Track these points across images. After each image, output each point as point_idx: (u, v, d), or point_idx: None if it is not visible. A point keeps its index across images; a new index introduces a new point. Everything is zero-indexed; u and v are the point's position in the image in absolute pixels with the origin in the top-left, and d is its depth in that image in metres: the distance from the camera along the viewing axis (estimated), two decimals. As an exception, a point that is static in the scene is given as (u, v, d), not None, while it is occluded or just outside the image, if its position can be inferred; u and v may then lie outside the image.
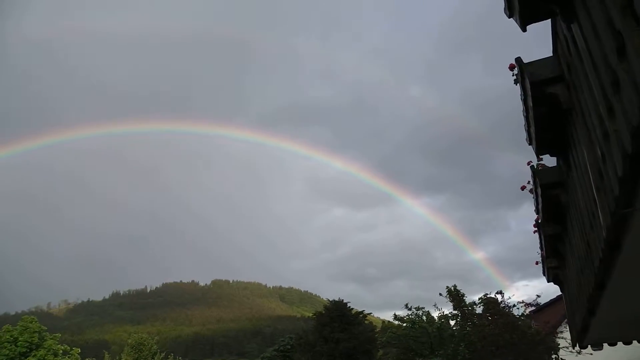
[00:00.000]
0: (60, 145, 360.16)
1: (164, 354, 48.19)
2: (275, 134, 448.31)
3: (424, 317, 44.16)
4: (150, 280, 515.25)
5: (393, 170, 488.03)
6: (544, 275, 11.99)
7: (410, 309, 44.93)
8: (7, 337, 39.90)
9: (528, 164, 8.73)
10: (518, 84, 6.91)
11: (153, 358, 47.03)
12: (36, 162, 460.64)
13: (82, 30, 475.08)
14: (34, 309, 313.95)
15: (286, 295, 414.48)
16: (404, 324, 45.47)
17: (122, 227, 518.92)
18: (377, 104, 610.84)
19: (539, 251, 11.36)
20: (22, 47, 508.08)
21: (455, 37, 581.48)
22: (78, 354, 43.30)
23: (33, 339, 40.52)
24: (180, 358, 50.97)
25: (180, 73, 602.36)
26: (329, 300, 60.29)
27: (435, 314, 43.85)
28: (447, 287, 40.98)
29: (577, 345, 11.84)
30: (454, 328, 41.58)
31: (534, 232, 10.70)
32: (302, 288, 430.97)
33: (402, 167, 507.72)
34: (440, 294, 41.25)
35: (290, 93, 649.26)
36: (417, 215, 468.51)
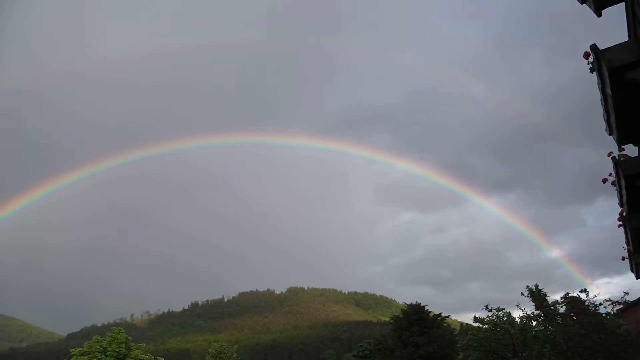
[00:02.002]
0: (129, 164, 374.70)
1: (244, 362, 49.11)
2: (337, 140, 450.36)
3: (505, 318, 43.05)
4: (227, 290, 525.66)
5: (459, 170, 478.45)
6: (632, 271, 11.44)
7: (490, 310, 43.90)
8: (97, 347, 41.72)
9: (609, 155, 8.33)
10: (594, 72, 6.63)
11: (234, 366, 48.08)
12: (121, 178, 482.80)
13: (160, 51, 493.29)
14: (118, 320, 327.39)
15: (362, 300, 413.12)
16: (485, 326, 44.47)
17: (197, 240, 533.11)
18: (436, 104, 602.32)
19: (625, 246, 10.83)
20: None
21: (512, 32, 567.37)
22: (162, 363, 44.74)
23: (121, 349, 42.17)
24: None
25: (243, 88, 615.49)
26: (405, 304, 59.60)
27: (517, 315, 42.69)
28: (528, 286, 39.83)
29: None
30: (537, 329, 40.35)
31: (619, 226, 10.21)
32: (377, 293, 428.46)
33: (468, 167, 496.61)
34: (522, 294, 40.15)
35: (349, 99, 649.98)
36: (488, 215, 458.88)
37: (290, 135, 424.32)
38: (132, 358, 42.07)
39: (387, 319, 66.99)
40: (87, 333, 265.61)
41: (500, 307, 44.03)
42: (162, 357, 45.05)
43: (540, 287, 39.49)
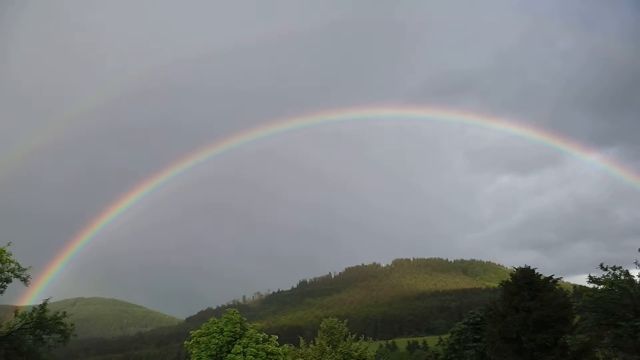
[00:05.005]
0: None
1: (354, 336, 49.74)
2: (426, 107, 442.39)
3: (622, 277, 40.95)
4: (333, 266, 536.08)
5: (556, 127, 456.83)
6: None
7: (605, 269, 41.94)
8: (214, 328, 43.73)
9: None
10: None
11: (345, 340, 48.77)
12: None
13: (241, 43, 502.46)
14: (231, 302, 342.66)
15: (468, 267, 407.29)
16: (600, 286, 42.59)
17: (304, 220, 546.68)
18: (524, 63, 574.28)
19: None
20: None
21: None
22: (276, 340, 46.14)
23: (236, 329, 43.94)
24: (370, 338, 52.15)
25: (324, 64, 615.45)
26: (514, 268, 57.90)
27: (635, 273, 40.55)
28: (645, 242, 37.67)
29: None
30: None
31: None
32: (483, 259, 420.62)
33: (565, 123, 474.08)
34: (639, 250, 38.22)
35: (433, 65, 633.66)
36: (590, 172, 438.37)
37: (373, 108, 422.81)
38: (247, 337, 43.67)
39: (496, 285, 65.44)
40: (203, 316, 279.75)
41: (617, 265, 41.87)
42: (275, 334, 46.43)
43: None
